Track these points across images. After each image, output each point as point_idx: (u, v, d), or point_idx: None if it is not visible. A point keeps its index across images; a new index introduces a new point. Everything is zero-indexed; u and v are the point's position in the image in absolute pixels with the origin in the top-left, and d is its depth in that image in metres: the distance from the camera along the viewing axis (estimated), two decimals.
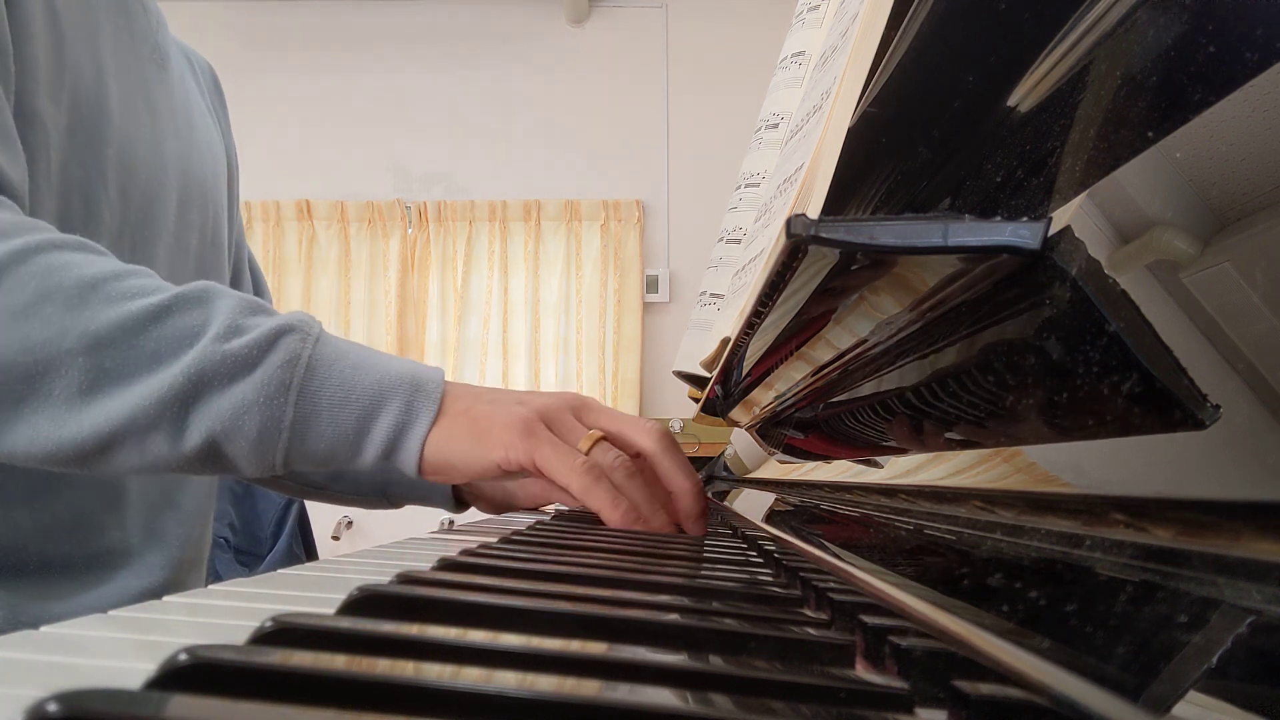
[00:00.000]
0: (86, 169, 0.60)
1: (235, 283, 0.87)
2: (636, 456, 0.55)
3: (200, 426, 0.46)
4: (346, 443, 0.49)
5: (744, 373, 0.69)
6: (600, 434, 0.54)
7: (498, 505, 0.77)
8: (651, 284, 3.25)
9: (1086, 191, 0.21)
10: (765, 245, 0.64)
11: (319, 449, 0.48)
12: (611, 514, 0.52)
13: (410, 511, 0.80)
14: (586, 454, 0.52)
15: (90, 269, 0.47)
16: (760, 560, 0.41)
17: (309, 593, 0.29)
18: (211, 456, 0.47)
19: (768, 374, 0.62)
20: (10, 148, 0.53)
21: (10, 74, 0.53)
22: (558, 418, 0.53)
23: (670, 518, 0.55)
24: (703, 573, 0.33)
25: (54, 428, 0.45)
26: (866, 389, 0.39)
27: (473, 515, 0.86)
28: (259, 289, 0.92)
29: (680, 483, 0.56)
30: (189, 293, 0.48)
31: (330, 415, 0.48)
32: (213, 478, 0.76)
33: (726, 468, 1.05)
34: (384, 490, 0.76)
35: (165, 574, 0.68)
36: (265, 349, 0.47)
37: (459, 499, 0.75)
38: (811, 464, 0.54)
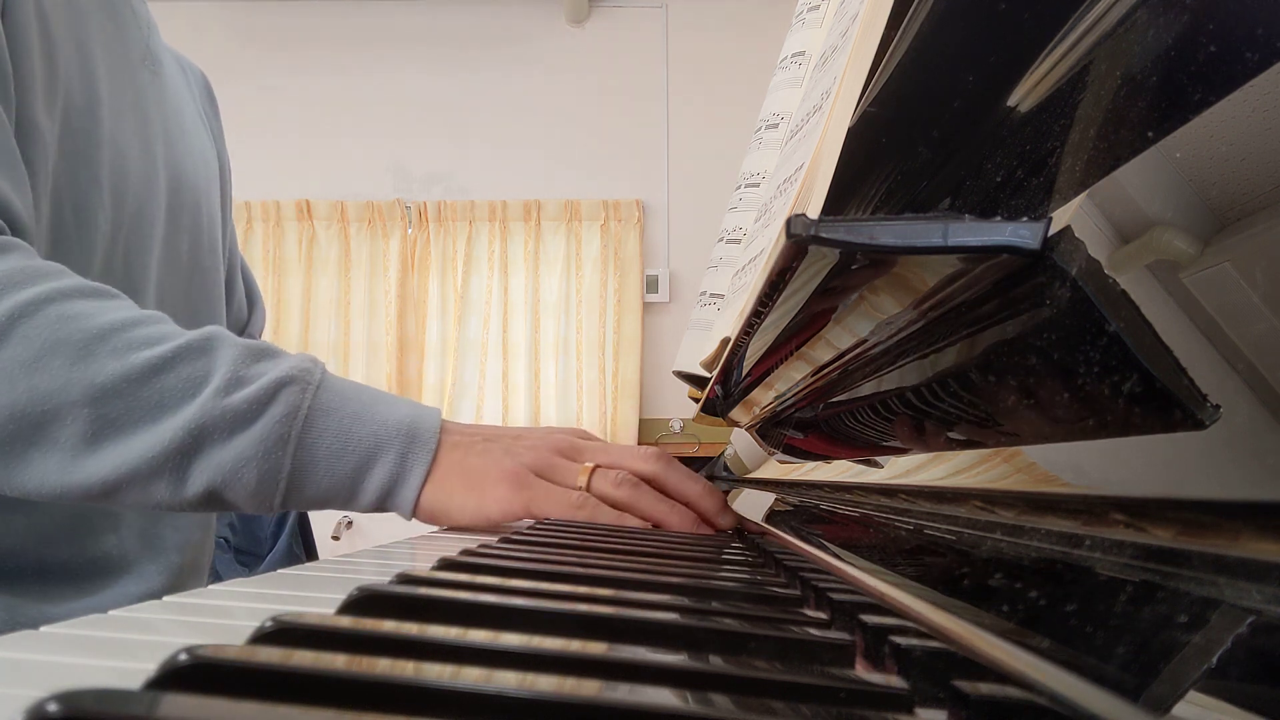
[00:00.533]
0: (79, 177, 0.60)
1: (229, 290, 0.87)
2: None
3: (201, 477, 0.48)
4: (343, 490, 0.51)
5: (744, 373, 0.69)
6: (594, 465, 0.55)
7: None
8: (651, 284, 3.25)
9: (1086, 191, 0.21)
10: (765, 245, 0.64)
11: (315, 495, 0.50)
12: (622, 522, 0.53)
13: None
14: (587, 487, 0.54)
15: (101, 319, 0.48)
16: (760, 560, 0.41)
17: (309, 593, 0.29)
18: (212, 502, 0.49)
19: (768, 374, 0.62)
20: (17, 179, 0.53)
21: (10, 95, 0.54)
22: (548, 464, 0.55)
23: (689, 514, 0.56)
24: (702, 572, 0.33)
25: (60, 473, 0.47)
26: (866, 389, 0.40)
27: None
28: (251, 296, 0.92)
29: (691, 489, 0.57)
30: (193, 342, 0.49)
31: (327, 465, 0.50)
32: None
33: (726, 468, 1.05)
34: None
35: (164, 579, 0.68)
36: (265, 403, 0.49)
37: None
38: (811, 464, 0.54)
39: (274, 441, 0.48)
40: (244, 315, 0.91)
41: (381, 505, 0.52)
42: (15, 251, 0.50)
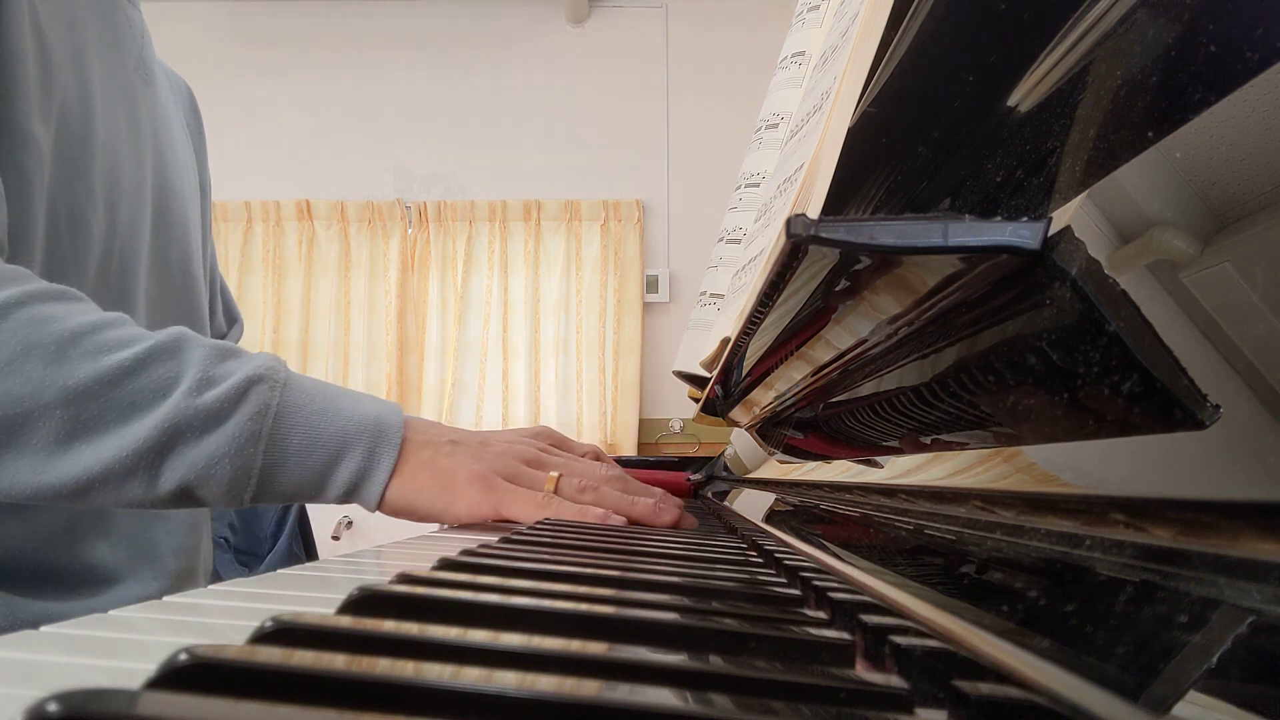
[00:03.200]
0: (73, 184, 0.60)
1: (211, 306, 0.87)
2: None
3: (174, 474, 0.49)
4: (311, 484, 0.52)
5: (744, 373, 0.69)
6: (558, 476, 0.57)
7: None
8: (651, 284, 3.25)
9: (1086, 191, 0.21)
10: (765, 245, 0.64)
11: (286, 490, 0.52)
12: (584, 518, 0.55)
13: None
14: (555, 491, 0.56)
15: (70, 322, 0.49)
16: (760, 560, 0.41)
17: (309, 593, 0.29)
18: (184, 498, 0.50)
19: (768, 374, 0.62)
20: None
21: None
22: (515, 471, 0.56)
23: (649, 503, 0.58)
24: (702, 572, 0.33)
25: (33, 474, 0.47)
26: (866, 389, 0.40)
27: None
28: (230, 313, 0.93)
29: (644, 499, 0.59)
30: (163, 343, 0.50)
31: (297, 460, 0.51)
32: None
33: (726, 468, 1.05)
34: None
35: (160, 585, 0.68)
36: (236, 401, 0.50)
37: None
38: (811, 464, 0.54)
39: (246, 438, 0.49)
40: (223, 331, 0.92)
41: (348, 498, 0.53)
42: None
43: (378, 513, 0.55)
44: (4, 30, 0.54)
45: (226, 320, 0.93)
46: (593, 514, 0.55)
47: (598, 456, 0.65)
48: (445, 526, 0.56)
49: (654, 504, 0.58)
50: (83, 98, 0.61)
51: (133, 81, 0.68)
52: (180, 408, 0.48)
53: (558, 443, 0.64)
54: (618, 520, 0.55)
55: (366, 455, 0.52)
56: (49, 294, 0.50)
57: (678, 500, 0.61)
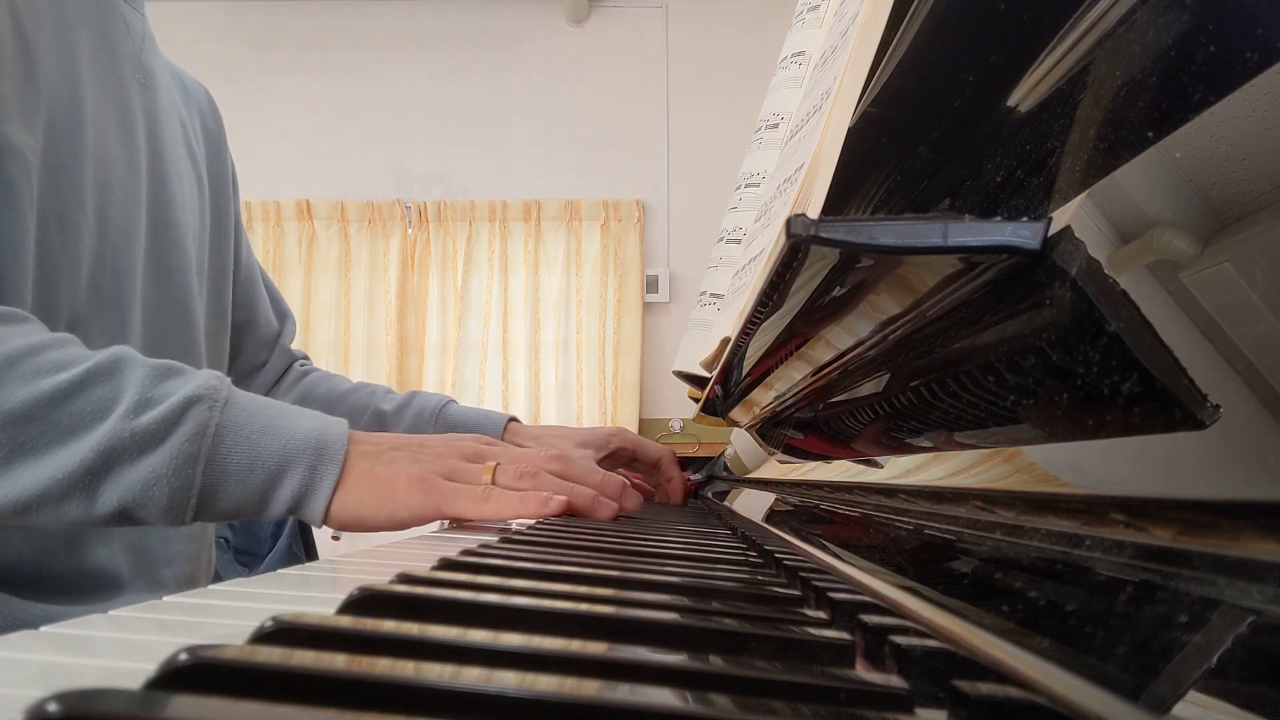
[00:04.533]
0: (62, 189, 0.60)
1: (251, 301, 0.88)
2: None
3: (112, 496, 0.49)
4: (253, 503, 0.52)
5: (744, 373, 0.69)
6: (494, 465, 0.57)
7: None
8: (651, 284, 3.25)
9: (1086, 191, 0.21)
10: (765, 245, 0.64)
11: (227, 508, 0.52)
12: (521, 509, 0.55)
13: None
14: (491, 482, 0.56)
15: (9, 345, 0.49)
16: (760, 560, 0.41)
17: (309, 593, 0.29)
18: (124, 518, 0.50)
19: (768, 374, 0.62)
20: None
21: None
22: (453, 468, 0.57)
23: (589, 492, 0.59)
24: (702, 572, 0.33)
25: None
26: (867, 389, 0.40)
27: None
28: (279, 309, 0.93)
29: (592, 479, 0.60)
30: (101, 364, 0.51)
31: (237, 480, 0.51)
32: None
33: (726, 468, 1.05)
34: None
35: (159, 594, 0.68)
36: (174, 423, 0.50)
37: None
38: (811, 464, 0.54)
39: (184, 459, 0.50)
40: (274, 327, 0.92)
41: (292, 514, 0.54)
42: None
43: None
44: None
45: (277, 316, 0.93)
46: (532, 500, 0.55)
47: (669, 461, 0.64)
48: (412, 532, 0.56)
49: (592, 496, 0.58)
50: (71, 105, 0.61)
51: (128, 86, 0.67)
52: (116, 430, 0.49)
53: (630, 444, 0.63)
54: (556, 504, 0.56)
55: (308, 472, 0.53)
56: None
57: (625, 488, 0.62)
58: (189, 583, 0.73)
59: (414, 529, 0.56)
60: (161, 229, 0.71)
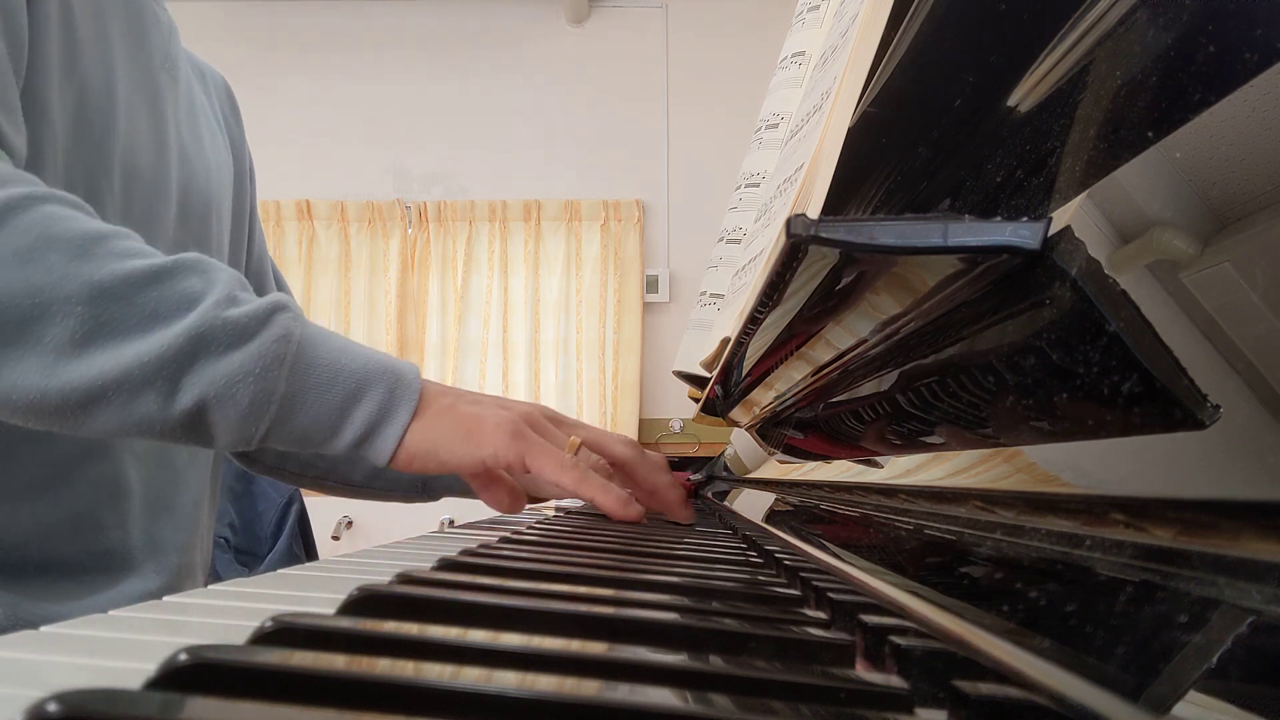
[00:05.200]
0: (91, 169, 0.60)
1: (260, 293, 0.87)
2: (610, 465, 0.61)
3: (193, 390, 0.46)
4: (326, 424, 0.49)
5: (744, 373, 0.69)
6: (579, 441, 0.57)
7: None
8: (651, 284, 3.25)
9: (1086, 191, 0.21)
10: (765, 245, 0.64)
11: (300, 426, 0.49)
12: (605, 499, 0.55)
13: (410, 511, 0.80)
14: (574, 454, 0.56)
15: (90, 224, 0.47)
16: (760, 560, 0.41)
17: (309, 593, 0.29)
18: (196, 422, 0.47)
19: (768, 374, 0.62)
20: (13, 118, 0.53)
21: (23, 60, 0.54)
22: (540, 424, 0.56)
23: (648, 508, 0.60)
24: (703, 572, 0.33)
25: (41, 376, 0.44)
26: (867, 389, 0.39)
27: (473, 515, 0.86)
28: None
29: (660, 479, 0.61)
30: (187, 259, 0.48)
31: (317, 394, 0.48)
32: (209, 483, 0.76)
33: (726, 468, 1.05)
34: (424, 484, 0.79)
35: (161, 580, 0.68)
36: (263, 321, 0.47)
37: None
38: (811, 464, 0.54)
39: (271, 359, 0.47)
40: None
41: (361, 444, 0.50)
42: (2, 160, 0.49)
43: (384, 513, 0.54)
44: (34, 5, 0.55)
45: None
46: (613, 496, 0.55)
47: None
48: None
49: (641, 513, 0.58)
50: (106, 84, 0.61)
51: (158, 78, 0.68)
52: (208, 318, 0.46)
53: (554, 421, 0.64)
54: (635, 511, 0.56)
55: (386, 396, 0.50)
56: (66, 199, 0.48)
57: (681, 496, 0.63)
58: (188, 570, 0.73)
59: (414, 529, 0.56)
60: (187, 221, 0.71)
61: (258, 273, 0.88)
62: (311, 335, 0.49)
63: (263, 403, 0.47)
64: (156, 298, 0.46)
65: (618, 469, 0.62)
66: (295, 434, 0.49)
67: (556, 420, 0.59)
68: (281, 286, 0.92)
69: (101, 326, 0.44)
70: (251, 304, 0.48)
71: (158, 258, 0.47)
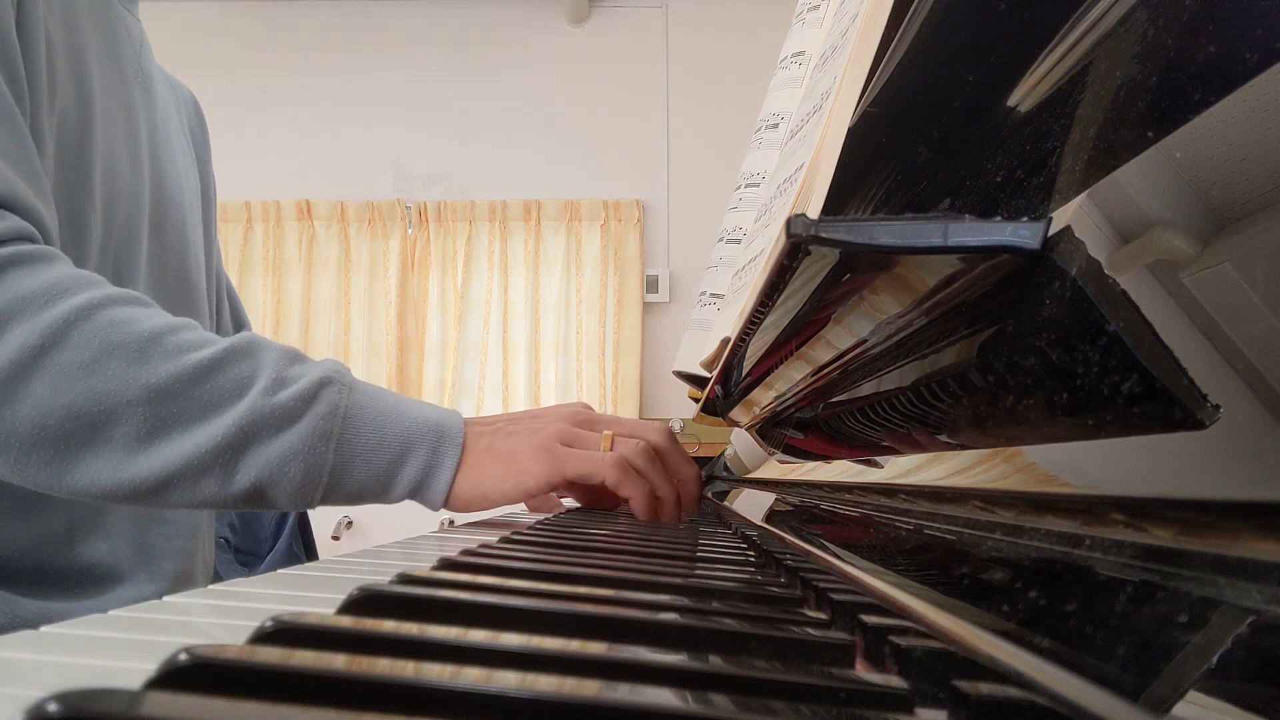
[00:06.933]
0: (73, 186, 0.61)
1: (216, 313, 0.88)
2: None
3: (249, 472, 0.50)
4: (377, 483, 0.54)
5: (744, 373, 0.69)
6: (612, 434, 0.60)
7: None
8: (651, 284, 3.25)
9: (1086, 191, 0.21)
10: (765, 245, 0.64)
11: (353, 488, 0.53)
12: (641, 503, 0.58)
13: (410, 511, 0.80)
14: (610, 450, 0.59)
15: (147, 324, 0.51)
16: (760, 560, 0.41)
17: (309, 593, 0.29)
18: (256, 497, 0.51)
19: (768, 374, 0.62)
20: (40, 190, 0.55)
21: (26, 103, 0.55)
22: (570, 435, 0.59)
23: (676, 502, 0.63)
24: (702, 573, 0.33)
25: (114, 471, 0.49)
26: (867, 389, 0.39)
27: (473, 515, 0.86)
28: (239, 320, 0.93)
29: (686, 470, 0.64)
30: (237, 345, 0.52)
31: (365, 460, 0.53)
32: None
33: (726, 468, 1.05)
34: None
35: (158, 588, 0.68)
36: (309, 401, 0.51)
37: None
38: (811, 464, 0.54)
39: (318, 437, 0.51)
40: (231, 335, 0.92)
41: (413, 496, 0.55)
42: (60, 260, 0.52)
43: (384, 513, 0.56)
44: (25, 29, 0.55)
45: (235, 324, 0.93)
46: (648, 503, 0.58)
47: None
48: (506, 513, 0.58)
49: (677, 504, 0.61)
50: (83, 102, 0.61)
51: (131, 90, 0.68)
52: (257, 406, 0.50)
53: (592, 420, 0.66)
54: (669, 513, 0.59)
55: (431, 453, 0.54)
56: (125, 298, 0.52)
57: (699, 490, 0.66)
58: (187, 578, 0.73)
59: (414, 529, 0.57)
60: (161, 230, 0.71)
61: (216, 289, 0.88)
62: (358, 404, 0.53)
63: (315, 475, 0.51)
64: (210, 388, 0.50)
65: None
66: (349, 496, 0.53)
67: (591, 421, 0.62)
68: (235, 305, 0.93)
69: (162, 422, 0.49)
70: (299, 384, 0.52)
71: (210, 348, 0.51)
